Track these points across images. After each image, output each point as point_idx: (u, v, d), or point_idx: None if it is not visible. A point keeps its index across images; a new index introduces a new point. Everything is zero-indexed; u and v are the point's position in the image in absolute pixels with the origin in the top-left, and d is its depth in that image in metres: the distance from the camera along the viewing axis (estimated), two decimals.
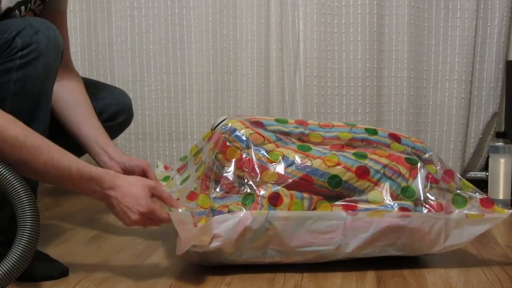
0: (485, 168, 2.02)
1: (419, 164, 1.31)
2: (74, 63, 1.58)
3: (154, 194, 1.21)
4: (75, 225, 1.73)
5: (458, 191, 1.30)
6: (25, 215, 1.00)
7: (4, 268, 0.98)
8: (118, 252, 1.44)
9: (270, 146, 1.31)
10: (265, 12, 2.03)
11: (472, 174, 2.08)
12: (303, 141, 1.37)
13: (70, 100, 1.44)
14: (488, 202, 1.27)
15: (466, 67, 1.98)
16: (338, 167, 1.27)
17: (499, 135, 1.90)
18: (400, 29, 1.99)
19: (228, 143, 1.30)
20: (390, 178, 1.28)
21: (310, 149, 1.32)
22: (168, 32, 2.11)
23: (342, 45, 2.02)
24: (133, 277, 1.25)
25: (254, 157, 1.28)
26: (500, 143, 1.87)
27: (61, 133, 1.39)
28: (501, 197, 1.85)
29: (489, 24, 2.00)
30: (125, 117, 1.60)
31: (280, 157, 1.28)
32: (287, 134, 1.37)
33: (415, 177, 1.29)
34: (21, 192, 1.01)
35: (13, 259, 0.99)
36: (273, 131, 1.36)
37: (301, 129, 1.38)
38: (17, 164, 1.05)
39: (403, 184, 1.28)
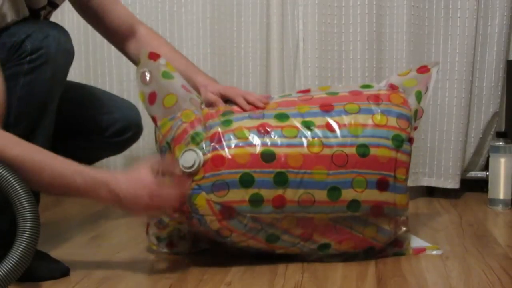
0: (486, 167, 2.02)
1: None
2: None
3: (163, 170, 1.17)
4: (75, 225, 1.74)
5: None
6: (25, 215, 1.01)
7: (5, 268, 0.98)
8: (118, 252, 1.44)
9: None
10: (265, 12, 2.03)
11: (473, 173, 2.07)
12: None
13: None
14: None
15: (467, 66, 1.97)
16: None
17: (499, 135, 1.90)
18: (399, 29, 1.99)
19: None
20: None
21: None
22: (166, 31, 2.07)
23: (342, 45, 2.01)
24: (133, 277, 1.25)
25: None
26: (501, 143, 1.87)
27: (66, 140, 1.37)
28: (501, 197, 1.85)
29: (489, 23, 1.99)
30: (132, 133, 1.50)
31: None
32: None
33: None
34: (21, 193, 1.01)
35: (13, 259, 0.99)
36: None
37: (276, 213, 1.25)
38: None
39: None
